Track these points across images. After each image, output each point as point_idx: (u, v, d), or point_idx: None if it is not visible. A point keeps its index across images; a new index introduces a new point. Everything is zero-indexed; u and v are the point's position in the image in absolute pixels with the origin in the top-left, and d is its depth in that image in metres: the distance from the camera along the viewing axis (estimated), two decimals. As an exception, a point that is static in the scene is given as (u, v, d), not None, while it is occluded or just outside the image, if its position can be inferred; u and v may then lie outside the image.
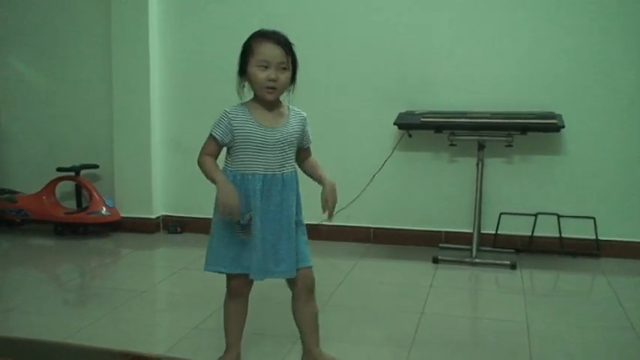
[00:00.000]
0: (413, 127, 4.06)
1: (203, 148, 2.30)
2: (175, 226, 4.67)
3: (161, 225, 4.74)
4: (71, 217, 4.56)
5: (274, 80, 2.21)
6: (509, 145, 3.95)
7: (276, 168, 2.27)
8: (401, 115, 4.10)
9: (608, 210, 4.04)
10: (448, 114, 4.03)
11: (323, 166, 2.43)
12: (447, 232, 4.27)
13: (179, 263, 3.91)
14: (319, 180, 2.38)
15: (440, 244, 4.23)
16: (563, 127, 3.81)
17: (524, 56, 4.08)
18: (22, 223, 4.71)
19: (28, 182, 4.81)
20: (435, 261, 3.92)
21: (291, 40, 2.26)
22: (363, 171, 4.31)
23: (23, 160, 4.97)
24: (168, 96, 4.64)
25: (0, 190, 4.82)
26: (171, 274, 3.75)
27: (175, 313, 3.15)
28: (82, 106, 4.81)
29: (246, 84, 2.28)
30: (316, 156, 2.46)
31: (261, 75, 2.21)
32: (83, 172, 4.65)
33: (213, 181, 2.25)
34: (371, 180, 4.31)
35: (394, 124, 4.04)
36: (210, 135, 2.27)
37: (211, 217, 2.33)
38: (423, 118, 4.02)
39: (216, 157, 2.29)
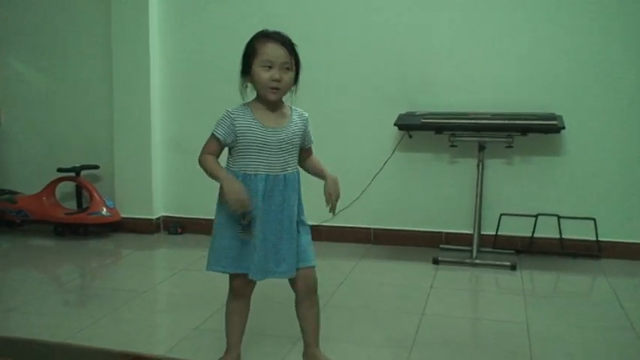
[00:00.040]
0: (413, 127, 4.06)
1: (204, 148, 2.28)
2: (176, 226, 4.67)
3: (161, 226, 4.74)
4: (71, 217, 4.56)
5: (278, 80, 2.20)
6: (510, 146, 3.95)
7: (279, 168, 2.26)
8: (401, 116, 4.10)
9: (608, 211, 4.04)
10: (448, 115, 4.03)
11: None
12: (447, 233, 4.26)
13: (179, 264, 3.91)
14: (321, 174, 2.37)
15: (440, 245, 4.23)
16: (564, 128, 3.81)
17: (525, 56, 4.07)
18: (23, 223, 4.71)
19: (28, 183, 4.81)
20: (436, 262, 3.92)
21: (292, 40, 2.26)
22: (363, 172, 4.31)
23: (23, 161, 4.97)
24: (168, 96, 4.64)
25: (0, 190, 4.82)
26: (171, 275, 3.75)
27: (176, 313, 3.14)
28: (82, 106, 4.81)
29: (249, 84, 2.27)
30: (316, 156, 2.45)
31: (264, 75, 2.20)
32: (83, 172, 4.65)
33: (217, 178, 2.23)
34: (371, 181, 4.31)
35: (394, 124, 4.04)
36: (212, 135, 2.26)
37: (212, 217, 2.33)
38: (424, 119, 4.02)
39: (217, 156, 2.28)
